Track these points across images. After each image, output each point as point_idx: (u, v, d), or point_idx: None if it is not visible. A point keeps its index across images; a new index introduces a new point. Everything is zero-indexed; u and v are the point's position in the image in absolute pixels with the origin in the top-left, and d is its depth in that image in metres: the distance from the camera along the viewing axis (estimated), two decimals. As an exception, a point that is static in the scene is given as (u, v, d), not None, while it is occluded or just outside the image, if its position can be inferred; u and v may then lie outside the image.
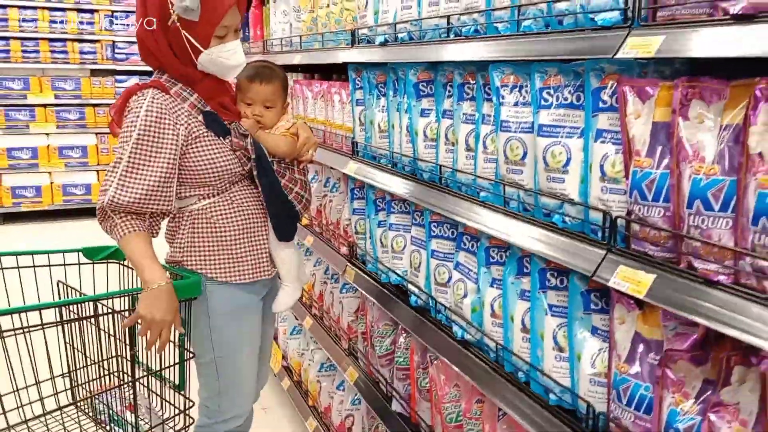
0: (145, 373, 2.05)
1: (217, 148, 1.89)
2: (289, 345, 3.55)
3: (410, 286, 2.18)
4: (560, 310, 1.56)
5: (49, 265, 2.15)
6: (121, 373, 2.17)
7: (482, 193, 1.76)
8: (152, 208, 1.83)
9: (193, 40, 1.82)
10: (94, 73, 7.72)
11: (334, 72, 3.27)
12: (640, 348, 1.34)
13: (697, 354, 1.21)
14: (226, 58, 1.88)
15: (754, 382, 1.12)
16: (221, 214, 1.94)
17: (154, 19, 1.81)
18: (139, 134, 1.79)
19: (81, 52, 7.56)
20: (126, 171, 1.80)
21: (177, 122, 1.83)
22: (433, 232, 2.03)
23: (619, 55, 1.23)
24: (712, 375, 1.20)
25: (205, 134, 1.88)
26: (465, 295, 1.89)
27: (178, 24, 1.80)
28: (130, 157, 1.79)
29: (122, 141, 1.82)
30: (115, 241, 1.89)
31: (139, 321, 1.83)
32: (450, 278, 1.98)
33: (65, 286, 2.16)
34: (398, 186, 2.16)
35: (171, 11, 1.78)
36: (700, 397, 1.21)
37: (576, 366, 1.51)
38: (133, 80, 7.47)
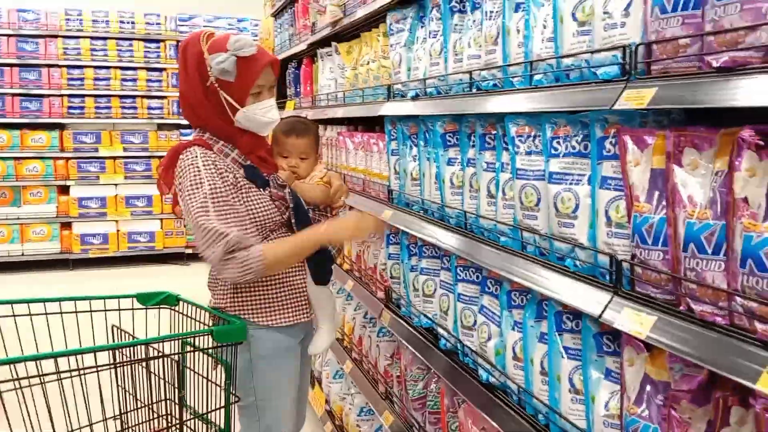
0: (192, 416, 2.14)
1: (257, 199, 2.00)
2: (332, 389, 3.62)
3: (439, 330, 2.24)
4: (575, 353, 1.59)
5: (105, 310, 2.28)
6: (169, 416, 2.27)
7: (502, 238, 1.82)
8: (257, 228, 1.97)
9: (230, 99, 1.95)
10: (160, 127, 8.19)
11: (377, 124, 3.41)
12: (648, 389, 1.36)
13: (698, 394, 1.22)
14: (262, 115, 2.00)
15: (752, 424, 1.14)
16: None
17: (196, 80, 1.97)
18: (208, 181, 1.88)
19: (149, 108, 8.06)
20: (204, 231, 1.85)
21: (226, 170, 1.97)
22: (459, 276, 2.10)
23: (616, 107, 1.30)
24: (714, 416, 1.21)
25: (247, 186, 1.99)
26: (489, 338, 1.93)
27: (216, 85, 1.94)
28: (200, 217, 1.85)
29: (191, 194, 1.88)
30: (259, 270, 1.89)
31: (187, 366, 1.93)
32: (475, 321, 2.03)
33: (119, 330, 2.29)
34: (429, 231, 2.24)
35: (209, 73, 1.93)
36: (705, 439, 1.23)
37: (591, 408, 1.53)
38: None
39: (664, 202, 1.26)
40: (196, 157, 1.92)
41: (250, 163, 2.03)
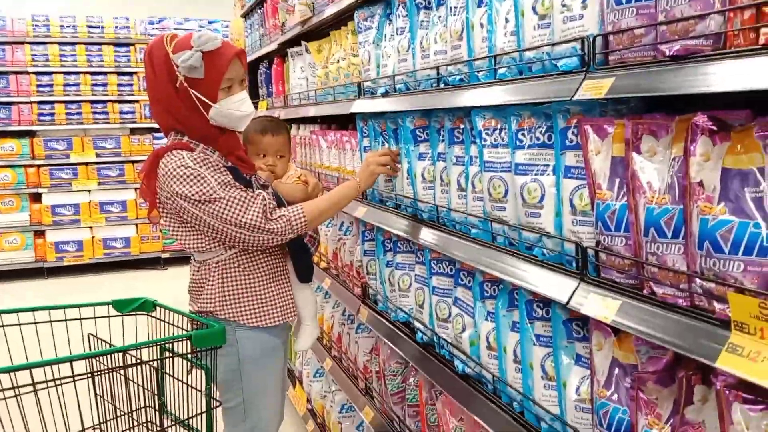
0: (173, 423, 2.13)
1: None
2: (313, 387, 3.62)
3: (416, 323, 2.26)
4: (546, 340, 1.62)
5: (80, 319, 2.25)
6: (150, 424, 2.25)
7: (473, 230, 1.85)
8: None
9: (201, 96, 1.92)
10: (133, 131, 8.11)
11: (349, 122, 3.42)
12: (617, 372, 1.39)
13: (663, 375, 1.26)
14: (236, 108, 1.98)
15: (715, 401, 1.17)
16: (249, 262, 2.05)
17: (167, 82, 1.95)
18: (210, 174, 1.89)
19: (121, 112, 7.98)
20: (234, 201, 1.88)
21: (217, 165, 1.96)
22: (434, 269, 2.12)
23: (576, 97, 1.33)
24: (678, 395, 1.25)
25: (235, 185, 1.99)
26: (463, 329, 1.96)
27: (185, 84, 1.91)
28: (224, 193, 1.88)
29: (198, 187, 1.88)
30: (301, 227, 1.99)
31: (167, 372, 1.93)
32: (450, 313, 2.06)
33: (96, 339, 2.26)
34: (401, 227, 2.26)
35: (177, 73, 1.91)
36: (671, 418, 1.26)
37: (563, 393, 1.56)
38: (170, 137, 7.81)
39: (624, 189, 1.30)
40: (183, 157, 1.90)
41: (231, 164, 2.03)
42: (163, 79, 1.94)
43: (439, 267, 2.12)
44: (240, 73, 2.01)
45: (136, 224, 7.88)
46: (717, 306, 1.10)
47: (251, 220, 1.89)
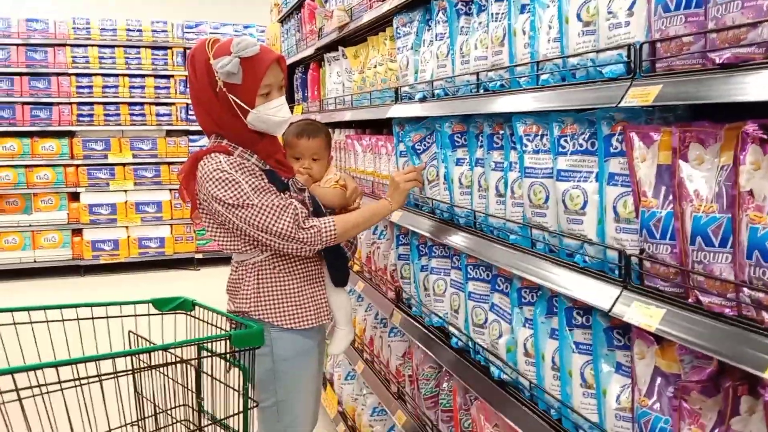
0: (210, 422, 2.16)
1: None
2: (344, 390, 3.64)
3: (451, 328, 2.27)
4: (586, 348, 1.62)
5: (121, 316, 2.30)
6: (187, 422, 2.29)
7: (512, 236, 1.85)
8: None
9: (239, 102, 1.95)
10: (169, 133, 8.25)
11: (384, 127, 3.44)
12: (659, 382, 1.38)
13: (707, 385, 1.25)
14: (273, 114, 2.01)
15: (763, 413, 1.16)
16: (285, 264, 2.07)
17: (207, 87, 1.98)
18: (244, 180, 1.92)
19: (157, 115, 8.13)
20: (266, 209, 1.92)
21: (253, 169, 1.99)
22: (470, 274, 2.13)
23: (622, 104, 1.32)
24: (724, 406, 1.23)
25: (271, 189, 2.00)
26: (500, 336, 1.96)
27: (224, 89, 1.94)
28: (257, 200, 1.91)
29: (232, 192, 1.91)
30: (329, 239, 2.01)
31: (205, 371, 1.96)
32: (486, 319, 2.06)
33: (136, 336, 2.31)
34: (436, 231, 2.27)
35: (217, 78, 1.94)
36: (716, 429, 1.25)
37: (602, 402, 1.55)
38: (206, 139, 7.95)
39: (671, 197, 1.29)
40: (221, 161, 1.94)
41: (270, 168, 2.06)
42: (203, 84, 1.98)
43: (476, 272, 2.12)
44: (278, 79, 2.03)
45: (171, 225, 8.02)
46: (766, 316, 1.09)
47: (282, 229, 1.92)
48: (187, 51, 8.32)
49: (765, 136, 1.11)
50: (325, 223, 1.99)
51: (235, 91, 1.95)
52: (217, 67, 1.92)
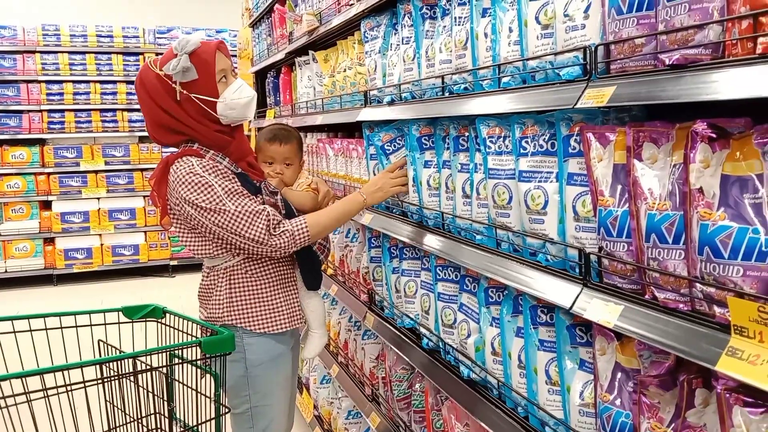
0: (182, 429, 2.15)
1: None
2: (320, 394, 3.64)
3: (422, 329, 2.28)
4: (550, 345, 1.64)
5: (90, 325, 2.27)
6: (159, 430, 2.27)
7: (478, 237, 1.87)
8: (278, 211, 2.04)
9: (204, 96, 1.97)
10: (142, 139, 8.18)
11: (356, 130, 3.46)
12: (619, 377, 1.41)
13: (665, 379, 1.27)
14: (238, 96, 2.02)
15: (716, 405, 1.18)
16: (257, 268, 2.07)
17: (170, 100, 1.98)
18: (217, 183, 1.92)
19: (130, 121, 8.06)
20: (239, 215, 1.91)
21: (225, 172, 1.99)
22: (439, 275, 2.14)
23: (578, 105, 1.35)
24: (680, 399, 1.26)
25: (243, 192, 2.00)
26: (469, 335, 1.98)
27: (185, 92, 1.96)
28: (231, 204, 1.91)
29: (204, 196, 1.91)
30: (305, 240, 2.01)
31: (176, 379, 1.95)
32: (455, 319, 2.08)
33: (106, 345, 2.29)
34: (407, 234, 2.28)
35: (173, 85, 1.95)
36: (673, 422, 1.28)
37: (567, 398, 1.58)
38: (178, 145, 7.88)
39: (626, 196, 1.32)
40: (193, 164, 1.94)
41: (241, 171, 2.06)
42: (161, 98, 1.98)
43: (445, 273, 2.14)
44: (228, 64, 2.06)
45: (145, 232, 7.94)
46: (717, 310, 1.12)
47: (255, 234, 1.92)
48: (159, 56, 8.22)
49: (714, 135, 1.14)
50: (297, 225, 2.00)
51: (195, 87, 1.97)
52: (170, 70, 1.94)
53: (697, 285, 1.16)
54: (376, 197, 2.23)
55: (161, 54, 2.04)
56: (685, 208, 1.17)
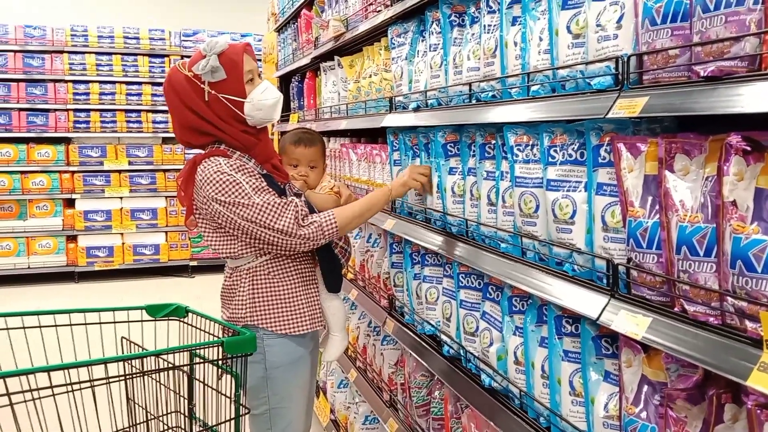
0: (201, 428, 2.16)
1: None
2: (337, 398, 3.65)
3: (443, 336, 2.28)
4: (575, 356, 1.63)
5: (114, 322, 2.30)
6: (179, 429, 2.29)
7: (503, 245, 1.87)
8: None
9: (231, 96, 2.00)
10: (165, 141, 8.27)
11: (379, 136, 3.47)
12: (646, 389, 1.39)
13: (693, 393, 1.26)
14: (265, 97, 2.05)
15: (746, 421, 1.17)
16: (279, 269, 2.09)
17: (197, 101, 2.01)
18: (245, 181, 1.95)
19: (154, 122, 8.15)
20: (267, 206, 1.94)
21: (253, 171, 2.02)
22: (462, 282, 2.14)
23: (609, 116, 1.34)
24: (708, 414, 1.25)
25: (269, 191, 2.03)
26: (491, 344, 1.97)
27: (213, 92, 1.99)
28: (258, 198, 1.94)
29: (233, 193, 1.94)
30: (333, 233, 2.03)
31: (197, 378, 1.97)
32: (477, 327, 2.07)
33: (129, 342, 2.32)
34: (429, 240, 2.29)
35: (201, 86, 1.99)
36: (700, 437, 1.26)
37: (591, 410, 1.56)
38: (200, 147, 7.95)
39: (657, 207, 1.31)
40: (220, 163, 1.97)
41: (266, 172, 2.09)
42: (190, 99, 2.01)
43: (467, 281, 2.13)
44: (254, 66, 2.09)
45: (166, 232, 8.02)
46: (749, 325, 1.11)
47: (284, 225, 1.94)
48: (185, 59, 8.29)
49: (748, 148, 1.13)
50: (325, 218, 2.02)
51: (223, 87, 2.00)
52: (199, 70, 1.98)
53: (729, 299, 1.14)
54: (399, 187, 2.27)
55: (187, 57, 2.07)
56: (718, 221, 1.16)
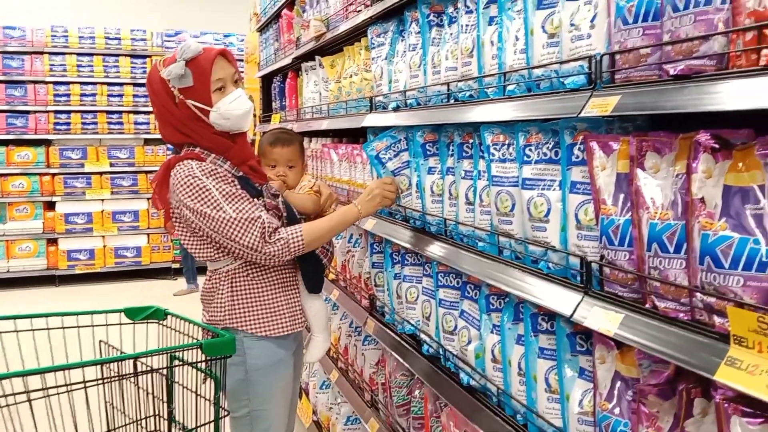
0: (181, 431, 2.15)
1: None
2: (319, 399, 3.64)
3: (422, 336, 2.28)
4: (550, 353, 1.64)
5: (92, 326, 2.27)
6: (158, 432, 2.27)
7: (480, 243, 1.88)
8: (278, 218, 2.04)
9: (198, 104, 1.98)
10: (147, 142, 8.22)
11: (360, 136, 3.47)
12: (619, 385, 1.41)
13: (664, 388, 1.27)
14: (234, 107, 2.01)
15: (714, 415, 1.18)
16: (259, 271, 2.08)
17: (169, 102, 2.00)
18: (215, 187, 1.93)
19: (135, 123, 8.10)
20: (234, 222, 1.92)
21: (225, 175, 1.99)
22: (440, 281, 2.15)
23: (582, 114, 1.36)
24: (678, 408, 1.26)
25: (244, 195, 2.00)
26: (469, 342, 1.98)
27: (181, 96, 1.97)
28: (228, 207, 1.92)
29: (202, 201, 1.92)
30: (299, 248, 2.00)
31: (176, 381, 1.95)
32: (456, 326, 2.08)
33: (107, 346, 2.29)
34: (408, 239, 2.29)
35: (171, 88, 1.97)
36: (672, 431, 1.28)
37: (566, 406, 1.58)
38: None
39: (629, 205, 1.32)
40: (192, 168, 1.95)
41: (242, 174, 2.07)
42: (163, 99, 2.00)
43: (446, 279, 2.14)
44: (230, 73, 2.04)
45: (148, 234, 7.97)
46: (717, 320, 1.12)
47: (249, 242, 1.93)
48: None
49: (717, 146, 1.15)
50: (292, 234, 1.99)
51: (190, 94, 1.98)
52: (166, 74, 1.96)
53: (698, 294, 1.16)
54: (368, 207, 2.23)
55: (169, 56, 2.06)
56: (687, 218, 1.18)
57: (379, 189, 2.24)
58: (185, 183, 1.93)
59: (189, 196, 1.93)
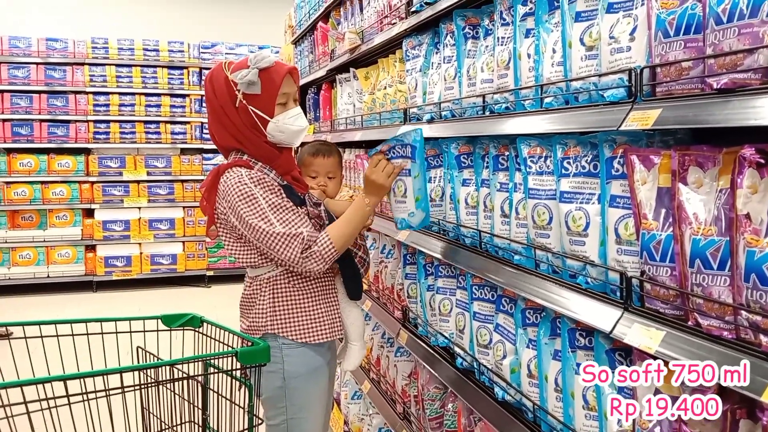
0: (215, 438, 2.17)
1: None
2: (350, 410, 3.64)
3: (456, 348, 2.27)
4: (588, 369, 1.61)
5: (130, 332, 2.32)
6: (193, 439, 2.29)
7: (516, 257, 1.86)
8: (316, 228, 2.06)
9: (259, 112, 2.02)
10: (183, 151, 8.35)
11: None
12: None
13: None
14: (291, 123, 2.07)
15: (761, 437, 1.15)
16: (300, 278, 2.10)
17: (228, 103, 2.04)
18: (262, 196, 1.97)
19: (172, 133, 8.24)
20: (277, 237, 1.94)
21: (272, 184, 2.03)
22: (475, 294, 2.14)
23: (623, 128, 1.34)
24: (723, 429, 1.23)
25: (289, 203, 2.04)
26: (504, 356, 1.96)
27: (244, 101, 2.02)
28: (274, 218, 1.95)
29: (249, 210, 1.96)
30: (333, 257, 2.01)
31: (211, 388, 1.97)
32: (491, 340, 2.06)
33: (144, 352, 2.33)
34: (442, 251, 2.28)
35: (236, 92, 2.02)
36: (715, 453, 1.25)
37: (604, 424, 1.55)
38: (220, 157, 8.03)
39: (670, 220, 1.30)
40: (242, 175, 1.99)
41: (287, 183, 2.10)
42: (224, 100, 2.05)
43: (481, 292, 2.13)
44: (293, 90, 2.11)
45: (183, 242, 8.08)
46: (763, 339, 1.09)
47: (289, 257, 1.96)
48: (203, 71, 8.55)
49: (762, 161, 1.12)
50: (322, 245, 1.99)
51: (255, 101, 2.03)
52: (237, 78, 2.00)
53: (743, 312, 1.13)
54: (372, 198, 2.13)
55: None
56: (732, 234, 1.15)
57: (376, 176, 2.13)
58: (235, 189, 1.98)
59: (238, 203, 1.97)
